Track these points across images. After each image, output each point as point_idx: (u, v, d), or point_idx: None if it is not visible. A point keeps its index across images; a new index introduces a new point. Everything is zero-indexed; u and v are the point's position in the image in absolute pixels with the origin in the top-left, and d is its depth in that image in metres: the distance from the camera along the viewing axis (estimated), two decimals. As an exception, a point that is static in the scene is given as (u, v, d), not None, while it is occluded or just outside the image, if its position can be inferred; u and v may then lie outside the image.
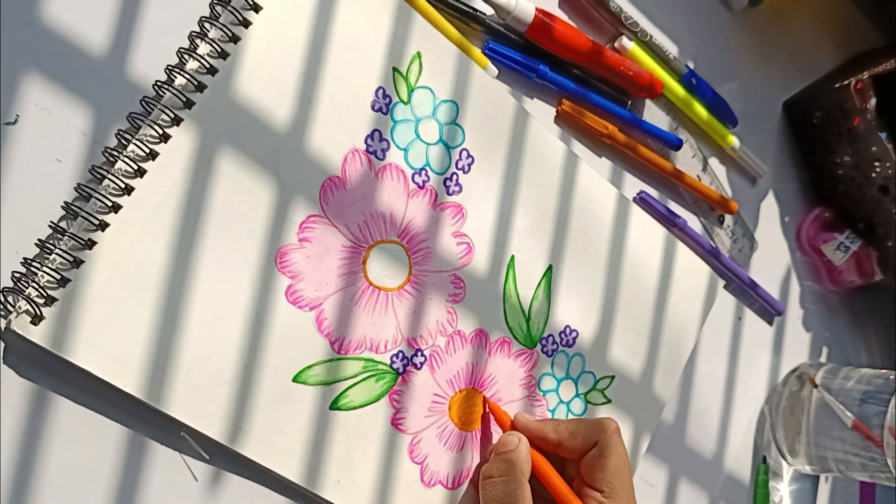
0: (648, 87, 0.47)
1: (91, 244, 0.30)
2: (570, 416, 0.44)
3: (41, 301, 0.29)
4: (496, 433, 0.41)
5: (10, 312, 0.29)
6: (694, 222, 0.52)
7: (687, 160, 0.51)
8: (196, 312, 0.32)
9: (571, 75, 0.45)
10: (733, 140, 0.52)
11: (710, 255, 0.52)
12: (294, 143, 0.35)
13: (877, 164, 0.55)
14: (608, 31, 0.47)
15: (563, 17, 0.45)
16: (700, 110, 0.50)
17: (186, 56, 0.32)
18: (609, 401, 0.46)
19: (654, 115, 0.49)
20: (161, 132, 0.32)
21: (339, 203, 0.36)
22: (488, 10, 0.41)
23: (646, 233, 0.47)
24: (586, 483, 0.37)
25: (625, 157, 0.48)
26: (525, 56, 0.42)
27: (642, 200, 0.48)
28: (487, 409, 0.41)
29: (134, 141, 0.31)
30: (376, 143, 0.37)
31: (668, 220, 0.49)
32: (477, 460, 0.41)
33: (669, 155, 0.50)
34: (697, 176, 0.52)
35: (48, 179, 0.30)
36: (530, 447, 0.38)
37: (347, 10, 0.36)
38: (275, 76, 0.34)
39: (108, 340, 0.30)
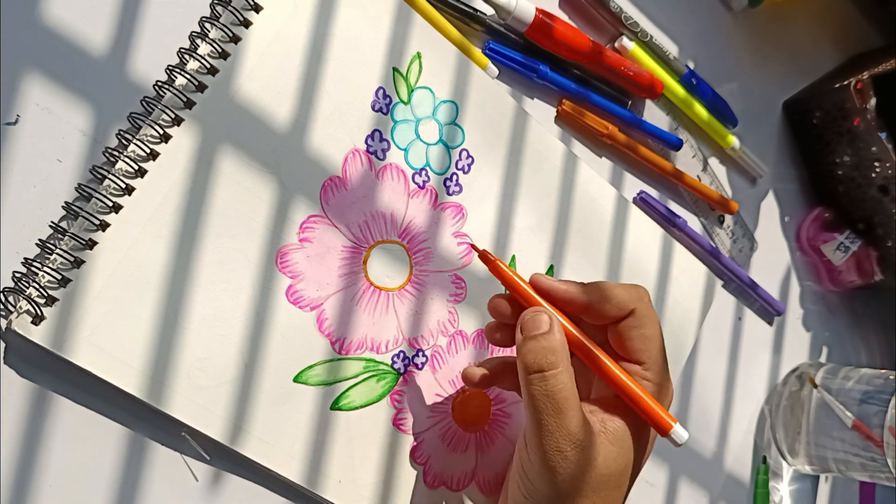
0: (649, 88, 0.47)
1: (92, 244, 0.30)
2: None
3: (42, 301, 0.29)
4: (501, 436, 0.41)
5: (11, 312, 0.29)
6: (694, 222, 0.52)
7: (687, 160, 0.51)
8: (197, 312, 0.32)
9: (571, 75, 0.45)
10: (733, 140, 0.52)
11: (709, 255, 0.52)
12: (294, 143, 0.35)
13: (877, 164, 0.55)
14: (608, 32, 0.47)
15: (564, 17, 0.45)
16: (700, 110, 0.50)
17: (187, 56, 0.32)
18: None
19: (654, 115, 0.49)
20: (162, 132, 0.32)
21: (339, 203, 0.36)
22: (489, 11, 0.41)
23: (644, 233, 0.47)
24: (619, 354, 0.34)
25: (625, 157, 0.48)
26: (525, 56, 0.42)
27: (642, 201, 0.48)
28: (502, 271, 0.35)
29: (135, 141, 0.31)
30: (377, 144, 0.37)
31: (668, 220, 0.49)
32: (482, 462, 0.41)
33: (669, 155, 0.50)
34: (697, 176, 0.52)
35: (49, 179, 0.30)
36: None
37: (348, 11, 0.36)
38: (275, 76, 0.34)
39: (108, 340, 0.30)
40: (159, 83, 0.32)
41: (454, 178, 0.40)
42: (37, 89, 0.30)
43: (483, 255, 0.35)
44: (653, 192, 0.50)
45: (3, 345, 0.29)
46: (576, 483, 0.31)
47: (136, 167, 0.31)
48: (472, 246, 0.37)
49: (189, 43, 0.33)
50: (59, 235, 0.30)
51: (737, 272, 0.53)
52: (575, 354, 0.34)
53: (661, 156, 0.49)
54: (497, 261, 0.35)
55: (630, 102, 0.48)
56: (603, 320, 0.34)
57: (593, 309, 0.34)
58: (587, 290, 0.34)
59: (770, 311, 0.57)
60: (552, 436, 0.31)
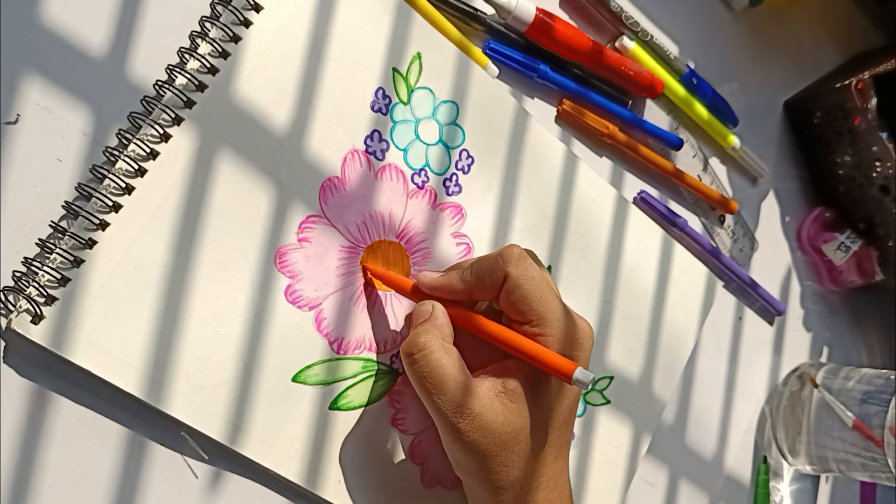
0: (649, 87, 0.47)
1: (91, 244, 0.30)
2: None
3: (41, 300, 0.29)
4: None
5: (11, 312, 0.29)
6: (694, 222, 0.52)
7: (687, 160, 0.51)
8: (196, 312, 0.33)
9: (572, 75, 0.45)
10: (734, 140, 0.52)
11: (710, 255, 0.52)
12: (294, 144, 0.35)
13: (877, 163, 0.55)
14: (609, 31, 0.47)
15: (564, 16, 0.45)
16: (701, 110, 0.50)
17: (187, 56, 0.32)
18: (608, 401, 0.46)
19: (654, 115, 0.49)
20: (162, 132, 0.32)
21: (338, 203, 0.36)
22: (489, 10, 0.41)
23: (644, 234, 0.47)
24: (513, 320, 0.35)
25: (625, 157, 0.48)
26: (526, 56, 0.42)
27: (643, 200, 0.48)
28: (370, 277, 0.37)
29: (135, 140, 0.31)
30: (376, 144, 0.37)
31: (669, 220, 0.49)
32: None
33: (670, 155, 0.50)
34: (698, 176, 0.52)
35: (49, 179, 0.30)
36: (446, 307, 0.35)
37: (348, 11, 0.36)
38: (275, 76, 0.34)
39: (108, 340, 0.30)
40: (159, 83, 0.32)
41: (454, 178, 0.40)
42: (37, 89, 0.30)
43: (364, 271, 0.37)
44: (653, 192, 0.50)
45: (2, 344, 0.29)
46: (485, 445, 0.33)
47: (136, 167, 0.31)
48: (364, 267, 0.37)
49: (189, 42, 0.33)
50: (59, 235, 0.30)
51: (737, 272, 0.53)
52: (467, 330, 0.35)
53: (661, 155, 0.49)
54: (380, 271, 0.37)
55: (630, 102, 0.48)
56: (489, 296, 0.35)
57: (476, 291, 0.35)
58: (463, 276, 0.35)
59: (770, 310, 0.56)
60: (444, 410, 0.33)
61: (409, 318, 0.37)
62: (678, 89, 0.49)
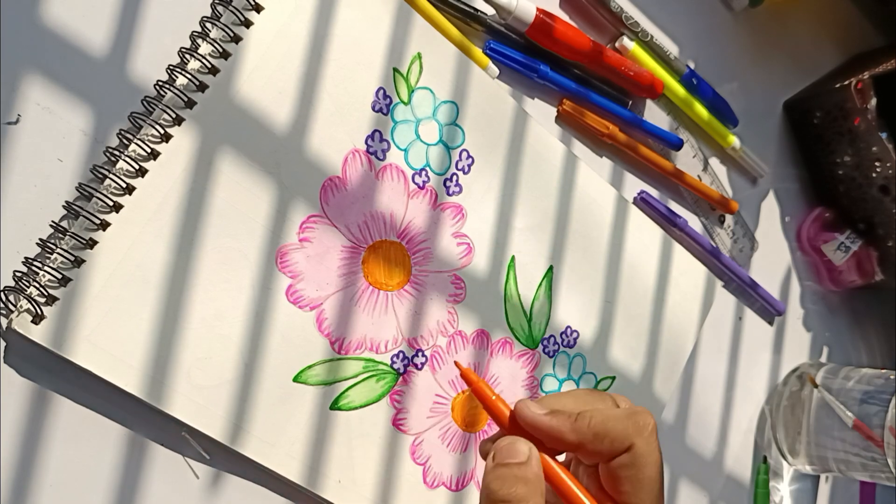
0: (649, 88, 0.47)
1: (92, 243, 0.30)
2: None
3: (42, 300, 0.29)
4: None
5: (12, 311, 0.29)
6: (694, 222, 0.52)
7: (688, 160, 0.51)
8: (197, 312, 0.32)
9: (572, 75, 0.45)
10: (734, 140, 0.52)
11: (710, 255, 0.52)
12: (295, 144, 0.35)
13: (877, 164, 0.55)
14: (609, 32, 0.47)
15: (564, 17, 0.45)
16: (701, 110, 0.50)
17: (188, 56, 0.32)
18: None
19: (654, 115, 0.49)
20: (162, 132, 0.32)
21: (339, 203, 0.36)
22: (489, 10, 0.41)
23: (644, 234, 0.47)
24: (608, 494, 0.30)
25: (625, 157, 0.48)
26: (526, 56, 0.42)
27: (643, 200, 0.48)
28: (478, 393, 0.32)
29: (135, 140, 0.31)
30: (377, 144, 0.37)
31: (669, 220, 0.49)
32: (480, 462, 0.41)
33: (670, 155, 0.50)
34: (698, 176, 0.52)
35: (49, 179, 0.30)
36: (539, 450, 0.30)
37: (348, 11, 0.36)
38: (276, 76, 0.34)
39: (108, 340, 0.30)
40: (160, 83, 0.32)
41: (454, 178, 0.40)
42: (37, 89, 0.30)
43: (465, 374, 0.32)
44: (653, 192, 0.50)
45: (3, 344, 0.29)
46: None
47: (137, 167, 0.31)
48: (457, 364, 0.33)
49: (190, 42, 0.33)
50: (60, 235, 0.30)
51: (737, 272, 0.53)
52: (549, 486, 0.30)
53: (661, 156, 0.49)
54: (479, 382, 0.32)
55: (630, 102, 0.48)
56: (596, 460, 0.30)
57: (585, 449, 0.30)
58: (578, 425, 0.29)
59: (770, 310, 0.57)
60: None
61: (483, 446, 0.32)
62: (678, 89, 0.49)
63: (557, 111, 0.45)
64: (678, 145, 0.49)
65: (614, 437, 0.29)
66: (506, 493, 0.28)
